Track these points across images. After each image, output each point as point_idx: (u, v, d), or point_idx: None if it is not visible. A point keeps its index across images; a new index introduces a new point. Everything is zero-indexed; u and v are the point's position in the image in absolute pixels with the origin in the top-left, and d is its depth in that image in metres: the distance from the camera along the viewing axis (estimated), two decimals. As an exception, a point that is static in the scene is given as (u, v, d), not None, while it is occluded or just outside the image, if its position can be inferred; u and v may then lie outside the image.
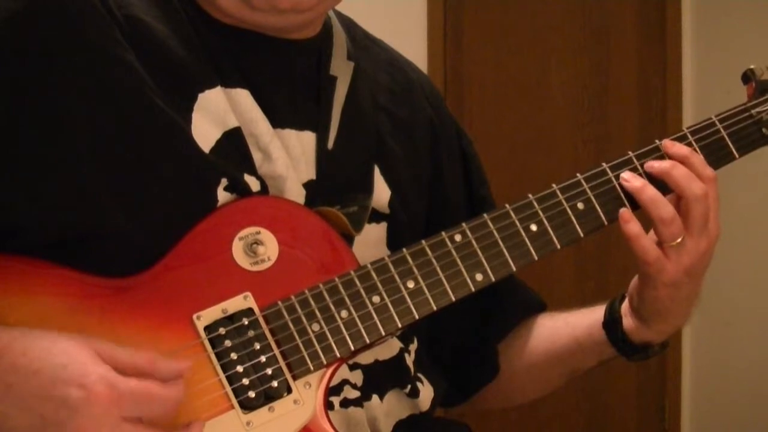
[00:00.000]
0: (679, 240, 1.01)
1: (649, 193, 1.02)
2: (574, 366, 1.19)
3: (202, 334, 0.91)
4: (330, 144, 1.04)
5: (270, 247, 0.95)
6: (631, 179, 1.03)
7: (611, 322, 1.12)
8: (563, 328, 1.19)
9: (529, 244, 1.01)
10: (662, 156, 1.05)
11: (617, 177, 1.04)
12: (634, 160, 1.05)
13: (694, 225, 1.02)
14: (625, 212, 1.02)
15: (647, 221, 1.03)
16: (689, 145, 1.07)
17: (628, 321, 1.10)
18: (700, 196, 1.01)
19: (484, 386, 1.21)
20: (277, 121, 1.01)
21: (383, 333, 0.95)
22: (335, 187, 1.02)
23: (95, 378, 0.80)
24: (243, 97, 0.99)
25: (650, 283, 1.04)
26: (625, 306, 1.11)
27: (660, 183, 1.03)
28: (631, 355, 1.12)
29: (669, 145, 1.05)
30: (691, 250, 1.02)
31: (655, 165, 1.04)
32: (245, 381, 0.91)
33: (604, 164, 1.05)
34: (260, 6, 0.98)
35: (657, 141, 1.06)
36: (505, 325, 1.22)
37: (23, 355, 0.81)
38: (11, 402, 0.80)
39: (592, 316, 1.15)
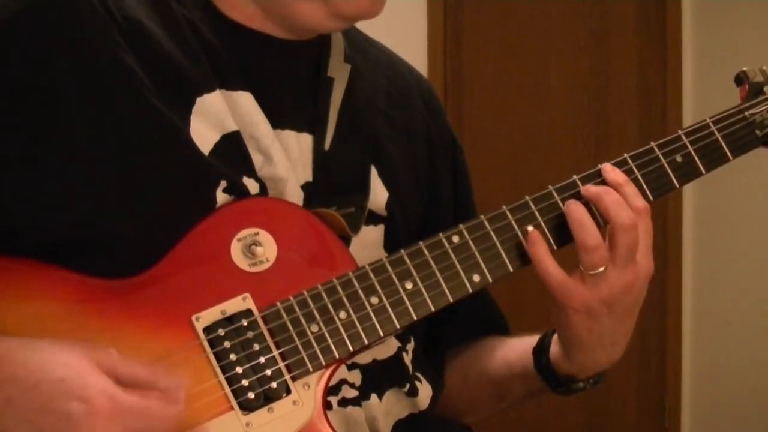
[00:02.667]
0: (600, 269, 0.98)
1: (577, 216, 0.99)
2: (502, 391, 1.17)
3: (201, 335, 0.91)
4: (327, 145, 1.04)
5: (268, 249, 0.95)
6: (571, 201, 1.00)
7: (540, 348, 1.10)
8: (500, 349, 1.16)
9: (526, 244, 1.01)
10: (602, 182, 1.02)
11: (563, 201, 1.01)
12: (578, 183, 1.02)
13: (618, 255, 0.98)
14: (533, 233, 0.99)
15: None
16: (683, 147, 1.07)
17: (554, 349, 1.08)
18: (627, 226, 0.98)
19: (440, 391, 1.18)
20: (278, 122, 1.01)
21: (382, 334, 0.95)
22: (331, 188, 1.03)
23: (96, 392, 0.80)
24: (244, 99, 0.99)
25: (560, 306, 1.01)
26: (556, 335, 1.08)
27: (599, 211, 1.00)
28: (554, 387, 1.09)
29: (607, 170, 1.02)
30: (612, 282, 0.98)
31: (590, 189, 1.01)
32: (245, 382, 0.91)
33: (600, 164, 1.04)
34: (350, 16, 1.00)
35: (599, 165, 1.03)
36: (453, 338, 1.19)
37: (23, 368, 0.81)
38: (11, 414, 0.80)
39: (529, 341, 1.12)
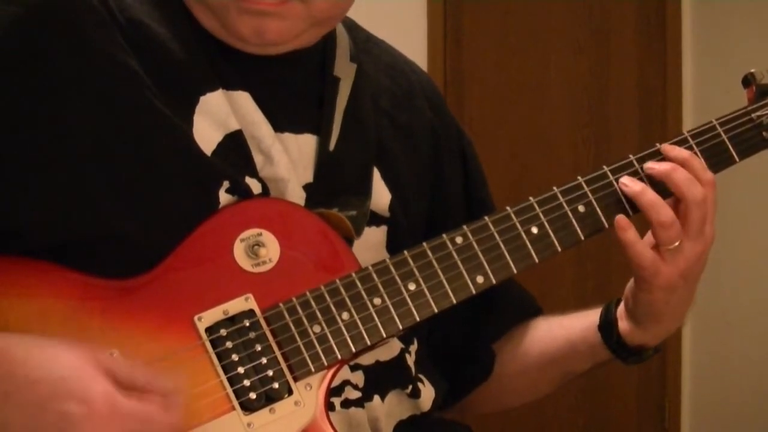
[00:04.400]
0: (676, 244, 1.01)
1: (649, 196, 1.02)
2: (567, 369, 1.19)
3: (204, 335, 0.91)
4: (332, 146, 1.04)
5: (271, 249, 0.95)
6: (630, 183, 1.03)
7: (606, 325, 1.12)
8: (558, 330, 1.18)
9: (530, 246, 1.01)
10: (662, 160, 1.05)
11: (617, 180, 1.04)
12: (635, 163, 1.05)
13: (691, 229, 1.02)
14: (622, 219, 1.02)
15: (644, 224, 1.02)
16: (690, 148, 1.07)
17: (623, 324, 1.10)
18: (699, 200, 1.01)
19: (477, 387, 1.21)
20: (277, 124, 1.01)
21: (384, 335, 0.95)
22: (333, 189, 1.02)
23: (95, 393, 0.79)
24: (244, 99, 0.99)
25: (645, 286, 1.04)
26: (620, 309, 1.11)
27: (659, 186, 1.03)
28: (626, 358, 1.12)
29: (669, 148, 1.05)
30: (688, 254, 1.02)
31: (655, 167, 1.04)
32: (246, 382, 0.91)
33: (604, 167, 1.05)
34: (235, 37, 0.98)
35: (657, 144, 1.06)
36: (500, 327, 1.21)
37: (23, 365, 0.81)
38: (9, 410, 0.79)
39: (588, 319, 1.14)
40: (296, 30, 0.98)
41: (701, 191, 1.02)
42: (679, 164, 1.03)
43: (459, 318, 1.14)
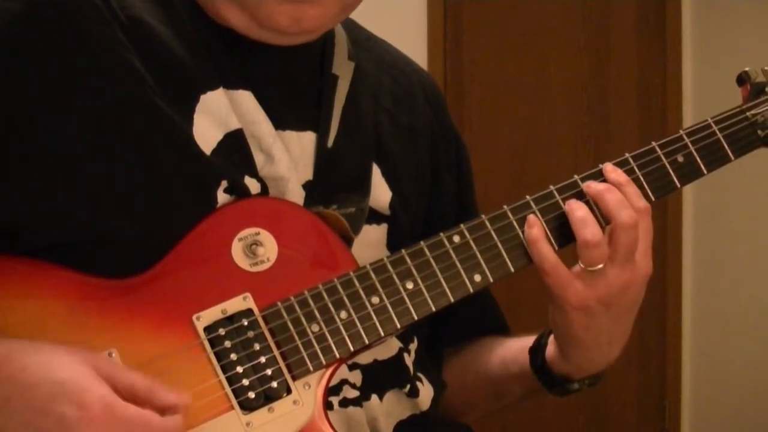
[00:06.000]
0: (599, 266, 0.98)
1: (579, 213, 0.99)
2: (499, 390, 1.17)
3: (202, 334, 0.91)
4: (330, 143, 1.04)
5: (269, 248, 0.95)
6: (573, 200, 1.01)
7: (537, 348, 1.10)
8: (498, 349, 1.16)
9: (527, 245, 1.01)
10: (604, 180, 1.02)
11: (563, 200, 1.01)
12: (580, 183, 1.02)
13: (617, 254, 0.98)
14: (531, 217, 1.00)
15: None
16: (685, 147, 1.07)
17: (550, 349, 1.08)
18: (627, 225, 0.98)
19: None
20: (279, 122, 1.01)
21: (382, 334, 0.95)
22: (332, 186, 1.02)
23: (93, 398, 0.79)
24: (245, 98, 0.99)
25: (558, 302, 1.01)
26: (553, 335, 1.08)
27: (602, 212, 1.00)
28: (551, 387, 1.09)
29: (609, 170, 1.03)
30: (611, 280, 0.99)
31: (591, 186, 1.01)
32: (245, 382, 0.91)
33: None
34: (270, 27, 0.98)
35: (600, 165, 1.03)
36: (452, 337, 1.19)
37: (22, 370, 0.81)
38: (8, 414, 0.80)
39: (527, 341, 1.12)
40: (330, 15, 0.99)
41: (631, 216, 0.98)
42: (614, 186, 1.01)
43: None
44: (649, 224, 1.01)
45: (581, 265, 0.99)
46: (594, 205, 1.00)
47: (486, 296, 1.20)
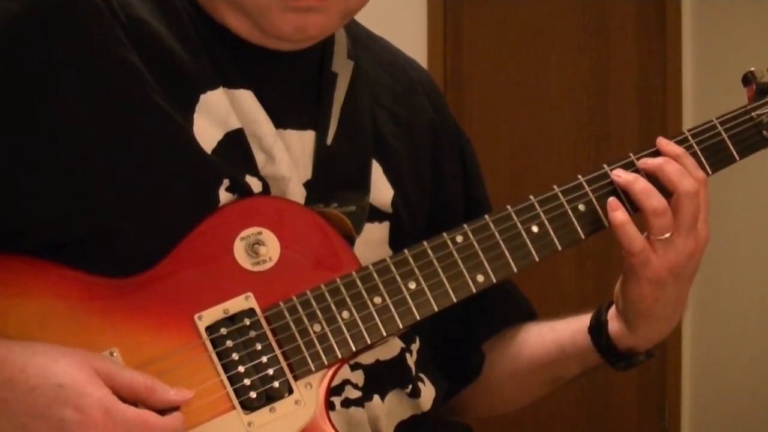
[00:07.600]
0: (667, 235, 1.01)
1: (641, 184, 1.02)
2: (557, 374, 1.18)
3: (204, 334, 0.91)
4: (329, 141, 1.04)
5: (271, 248, 0.95)
6: (623, 174, 1.03)
7: (597, 326, 1.11)
8: (549, 334, 1.17)
9: (530, 245, 1.01)
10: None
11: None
12: (635, 161, 1.05)
13: (683, 222, 1.01)
14: (613, 200, 1.02)
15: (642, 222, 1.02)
16: (690, 147, 1.07)
17: (613, 325, 1.09)
18: (691, 193, 1.01)
19: (464, 388, 1.19)
20: (280, 121, 1.01)
21: (384, 334, 0.95)
22: (332, 185, 1.02)
23: (92, 401, 0.80)
24: (246, 97, 0.99)
25: (634, 278, 1.03)
26: (611, 311, 1.10)
27: (657, 185, 1.02)
28: (615, 362, 1.11)
29: (663, 143, 1.05)
30: (679, 248, 1.02)
31: (648, 161, 1.04)
32: (246, 381, 0.91)
33: (605, 166, 1.05)
34: (273, 35, 0.98)
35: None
36: (491, 328, 1.20)
37: (21, 372, 0.81)
38: (6, 417, 0.80)
39: (579, 322, 1.13)
40: (333, 23, 1.00)
41: (693, 183, 1.02)
42: (672, 159, 1.03)
43: (451, 317, 1.14)
44: (707, 193, 1.04)
45: (651, 236, 1.01)
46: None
47: (510, 286, 1.21)
